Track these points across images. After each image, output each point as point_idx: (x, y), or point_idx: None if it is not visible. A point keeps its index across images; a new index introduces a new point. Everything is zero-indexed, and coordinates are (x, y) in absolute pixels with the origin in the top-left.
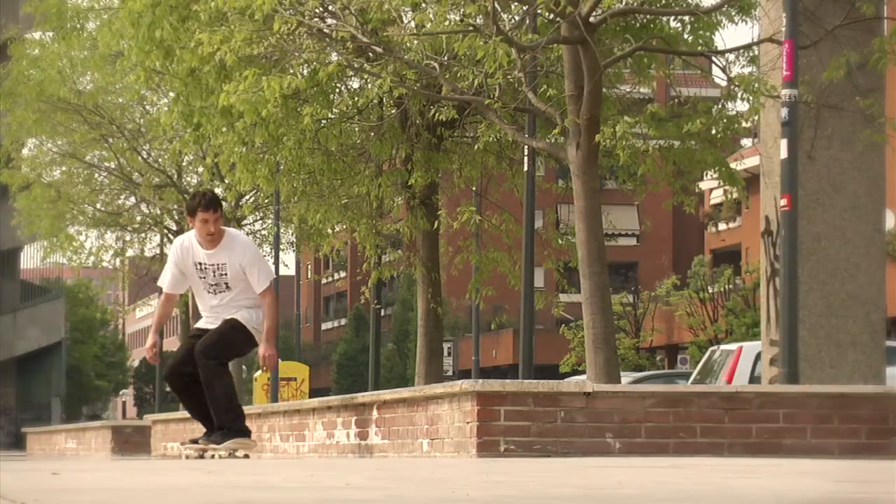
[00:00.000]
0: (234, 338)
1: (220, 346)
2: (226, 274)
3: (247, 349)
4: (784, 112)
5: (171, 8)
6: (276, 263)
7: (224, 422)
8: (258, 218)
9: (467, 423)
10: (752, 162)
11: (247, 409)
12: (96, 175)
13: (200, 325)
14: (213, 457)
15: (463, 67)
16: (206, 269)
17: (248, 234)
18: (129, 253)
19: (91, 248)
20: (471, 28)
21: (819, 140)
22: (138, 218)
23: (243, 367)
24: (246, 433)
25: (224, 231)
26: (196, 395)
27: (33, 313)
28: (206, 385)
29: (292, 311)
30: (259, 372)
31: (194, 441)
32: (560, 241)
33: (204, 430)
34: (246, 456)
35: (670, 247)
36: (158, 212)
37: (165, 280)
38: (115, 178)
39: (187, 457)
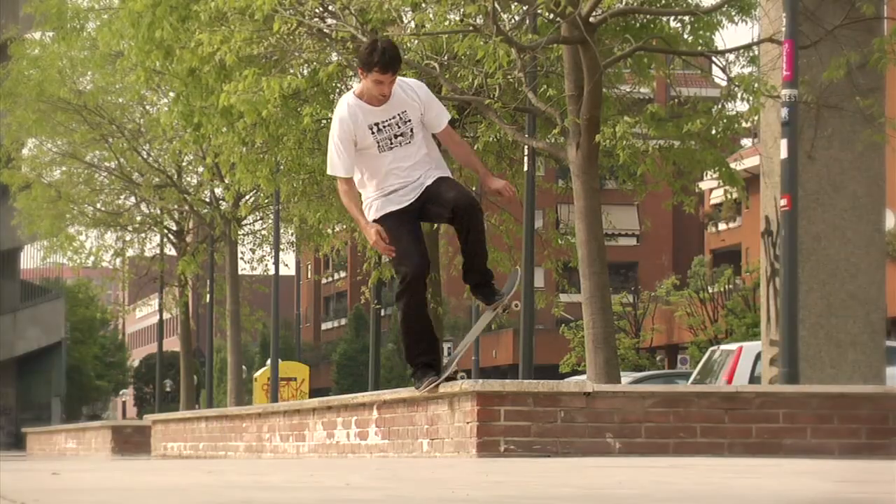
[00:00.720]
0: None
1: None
2: (410, 120)
3: None
4: (784, 112)
5: (171, 8)
6: (276, 263)
7: (488, 276)
8: (258, 218)
9: (467, 423)
10: (752, 162)
11: (247, 410)
12: (96, 175)
13: (390, 207)
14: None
15: (463, 67)
16: (384, 126)
17: (247, 234)
18: (129, 253)
19: (91, 248)
20: (471, 28)
21: (819, 140)
22: (138, 218)
23: (243, 367)
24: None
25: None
26: (428, 320)
27: (33, 313)
28: (480, 235)
29: (292, 311)
30: (259, 371)
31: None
32: (560, 241)
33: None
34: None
35: (670, 247)
36: (158, 212)
37: (341, 164)
38: (115, 178)
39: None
